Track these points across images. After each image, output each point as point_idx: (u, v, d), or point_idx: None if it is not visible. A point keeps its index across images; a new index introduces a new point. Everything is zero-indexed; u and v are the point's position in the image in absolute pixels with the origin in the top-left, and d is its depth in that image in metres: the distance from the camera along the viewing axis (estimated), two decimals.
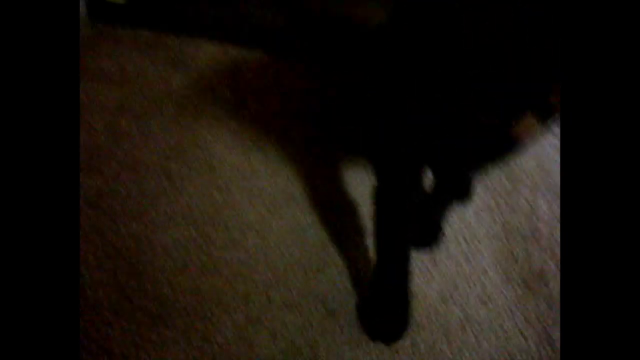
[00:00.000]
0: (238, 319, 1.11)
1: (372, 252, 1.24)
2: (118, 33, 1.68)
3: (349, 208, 1.32)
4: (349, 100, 1.55)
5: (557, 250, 1.30)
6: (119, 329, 1.06)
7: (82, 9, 1.71)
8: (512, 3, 0.75)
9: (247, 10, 1.81)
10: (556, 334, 1.14)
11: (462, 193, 1.35)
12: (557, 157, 1.50)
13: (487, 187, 1.41)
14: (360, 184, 1.36)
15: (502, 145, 0.99)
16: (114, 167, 1.33)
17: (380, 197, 1.07)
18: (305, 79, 1.60)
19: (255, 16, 1.77)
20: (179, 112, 1.46)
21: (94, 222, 1.23)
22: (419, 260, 1.25)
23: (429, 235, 1.27)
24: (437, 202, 1.27)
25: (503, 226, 1.34)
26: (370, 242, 1.25)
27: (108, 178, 1.32)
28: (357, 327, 1.12)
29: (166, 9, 1.79)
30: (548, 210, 1.38)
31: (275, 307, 1.14)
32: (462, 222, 1.34)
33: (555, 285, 1.24)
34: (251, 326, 1.10)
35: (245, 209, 1.29)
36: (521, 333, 1.15)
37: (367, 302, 1.14)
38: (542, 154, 1.51)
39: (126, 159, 1.35)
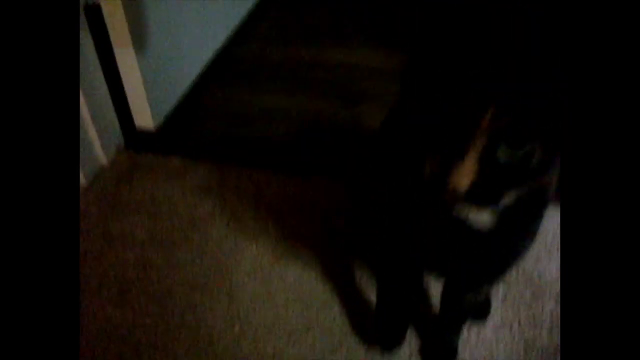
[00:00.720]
0: None
1: None
2: (150, 161, 1.83)
3: (367, 337, 1.36)
4: (370, 214, 1.61)
5: None
6: None
7: (120, 139, 1.88)
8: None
9: (269, 132, 1.95)
10: None
11: (479, 310, 1.38)
12: None
13: (507, 300, 1.43)
14: None
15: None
16: (143, 300, 1.45)
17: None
18: (326, 197, 1.69)
19: (277, 138, 1.90)
20: (204, 241, 1.58)
21: (123, 356, 1.34)
22: None
23: (443, 358, 1.30)
24: (450, 321, 1.30)
25: (524, 343, 1.35)
26: None
27: (137, 311, 1.43)
28: None
29: (193, 136, 1.95)
30: None
31: None
32: (479, 339, 1.35)
33: None
34: None
35: (264, 339, 1.36)
36: None
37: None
38: None
39: (154, 291, 1.47)
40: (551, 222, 1.53)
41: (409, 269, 1.20)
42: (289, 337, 1.36)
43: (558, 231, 1.58)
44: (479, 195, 0.66)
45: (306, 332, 1.37)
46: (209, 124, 2.02)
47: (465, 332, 1.35)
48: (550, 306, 1.41)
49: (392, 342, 1.31)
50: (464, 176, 0.64)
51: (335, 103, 2.09)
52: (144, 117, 1.94)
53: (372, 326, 1.36)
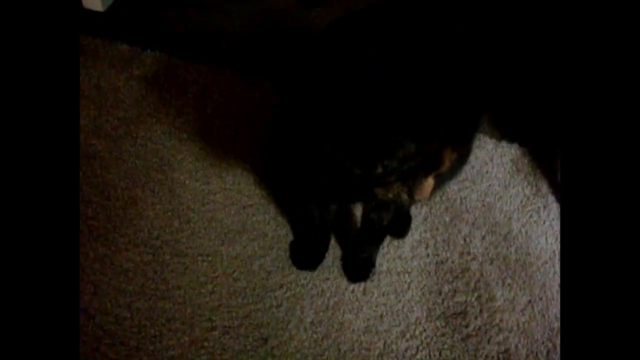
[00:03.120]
0: (183, 341, 1.38)
1: (310, 286, 1.50)
2: (96, 45, 1.89)
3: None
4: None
5: (483, 291, 1.53)
6: (80, 345, 1.33)
7: None
8: None
9: (223, 25, 2.02)
10: None
11: (398, 229, 1.59)
12: (502, 193, 1.72)
13: (427, 220, 1.64)
14: None
15: None
16: (85, 190, 1.58)
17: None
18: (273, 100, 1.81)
19: (230, 33, 1.97)
20: (148, 135, 1.70)
21: None
22: (350, 290, 1.50)
23: (360, 271, 1.51)
24: (368, 237, 1.50)
25: (435, 262, 1.58)
26: (308, 276, 1.51)
27: (80, 201, 1.57)
28: (286, 355, 1.38)
29: (145, 23, 1.99)
30: (482, 248, 1.60)
31: (217, 331, 1.40)
32: (397, 254, 1.57)
33: (474, 325, 1.48)
34: (194, 348, 1.37)
35: (201, 236, 1.54)
36: None
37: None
38: (488, 188, 1.72)
39: (97, 181, 1.60)
40: (477, 157, 1.72)
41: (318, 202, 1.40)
42: (225, 236, 1.55)
43: (481, 164, 1.77)
44: None
45: (240, 234, 1.56)
46: (161, 9, 2.06)
47: (385, 247, 1.56)
48: (465, 231, 1.63)
49: (307, 266, 1.52)
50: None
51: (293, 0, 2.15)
52: None
53: (290, 250, 1.55)
